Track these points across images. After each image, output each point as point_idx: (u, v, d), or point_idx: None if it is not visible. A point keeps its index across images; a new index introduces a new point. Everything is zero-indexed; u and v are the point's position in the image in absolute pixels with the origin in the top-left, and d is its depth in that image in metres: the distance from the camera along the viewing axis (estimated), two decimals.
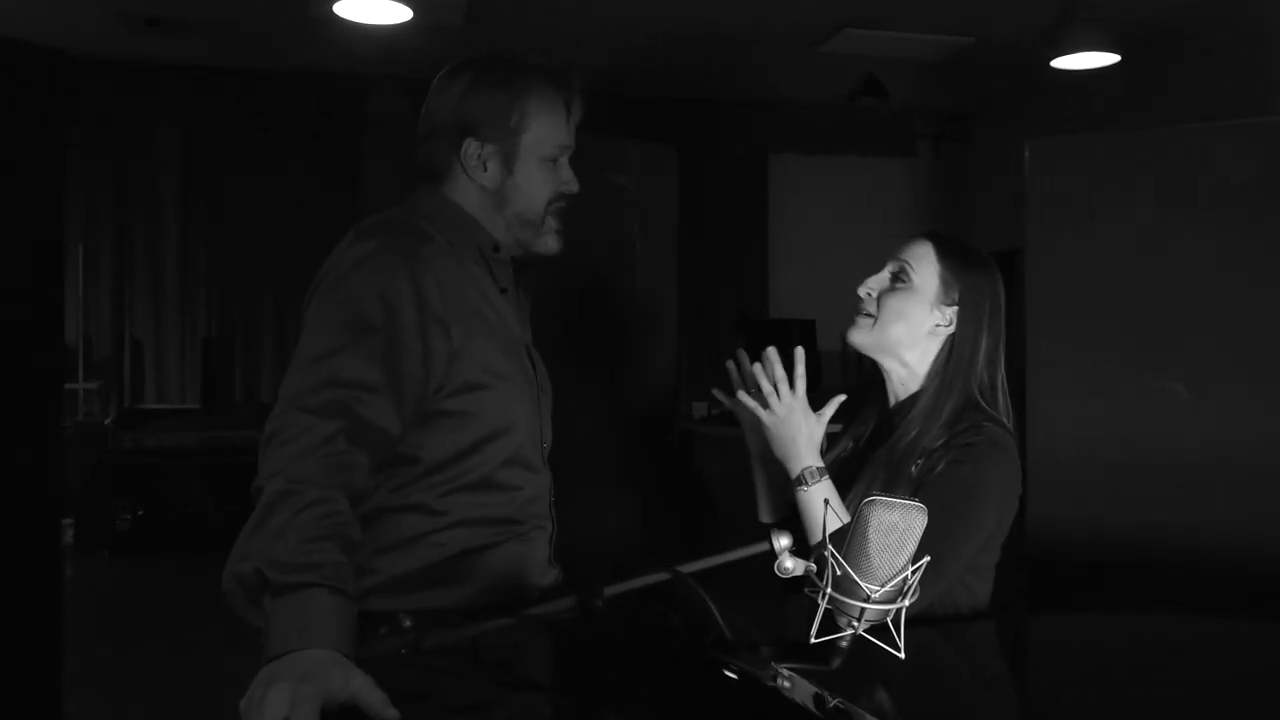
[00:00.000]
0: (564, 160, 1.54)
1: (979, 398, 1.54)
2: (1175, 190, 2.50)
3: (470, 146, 1.48)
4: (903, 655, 0.94)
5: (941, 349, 1.56)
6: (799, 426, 1.50)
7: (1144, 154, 2.53)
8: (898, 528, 0.92)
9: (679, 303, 7.58)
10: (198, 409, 6.90)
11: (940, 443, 1.50)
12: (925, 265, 1.56)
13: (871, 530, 0.93)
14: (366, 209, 6.80)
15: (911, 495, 1.44)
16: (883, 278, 1.59)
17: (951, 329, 1.56)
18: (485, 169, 1.49)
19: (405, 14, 4.73)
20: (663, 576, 1.02)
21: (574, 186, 1.55)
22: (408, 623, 1.06)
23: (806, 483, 1.49)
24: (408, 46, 5.86)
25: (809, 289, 7.44)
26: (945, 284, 1.55)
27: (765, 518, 1.64)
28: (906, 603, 0.94)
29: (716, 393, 1.62)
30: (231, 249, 7.23)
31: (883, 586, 0.92)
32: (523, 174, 1.50)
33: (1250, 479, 2.45)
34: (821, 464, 1.51)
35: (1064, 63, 4.85)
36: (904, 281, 1.56)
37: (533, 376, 1.53)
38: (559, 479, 1.61)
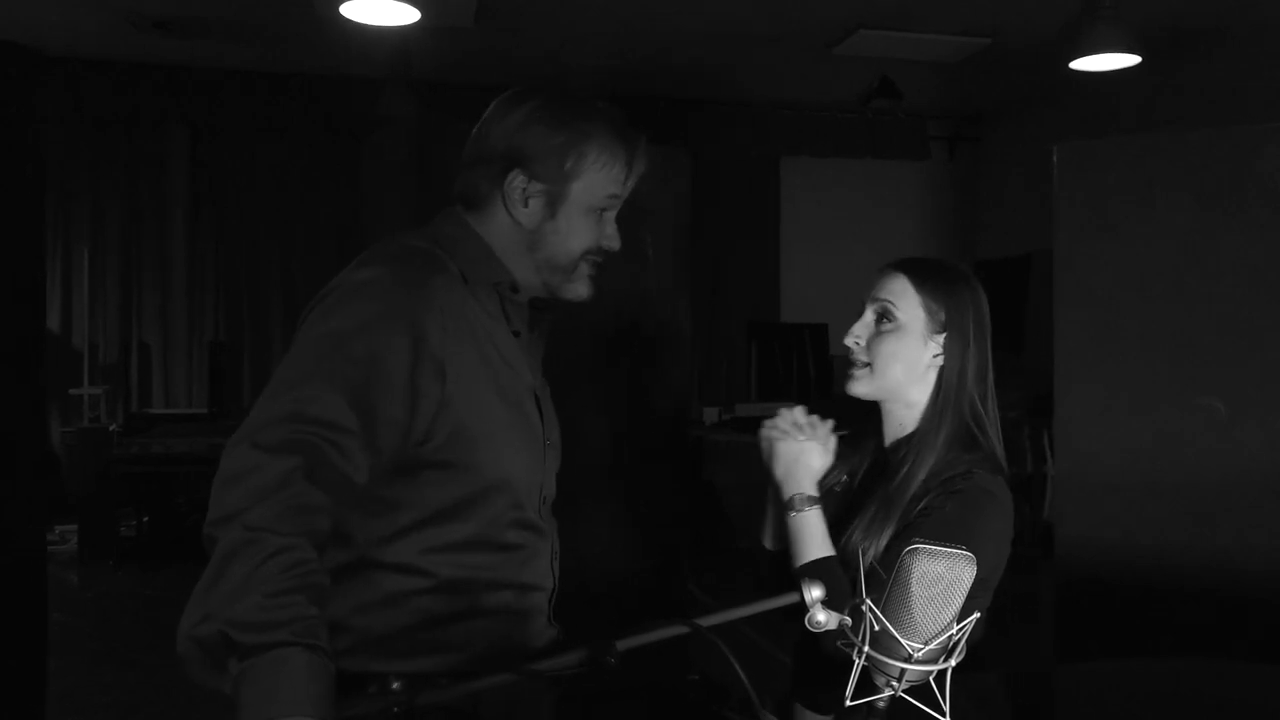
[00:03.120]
0: (610, 214, 1.44)
1: (971, 423, 1.50)
2: (1211, 195, 2.40)
3: (516, 179, 1.38)
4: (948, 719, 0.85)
5: (938, 377, 1.52)
6: (812, 453, 1.49)
7: (1179, 158, 2.42)
8: (943, 579, 0.83)
9: (690, 306, 7.53)
10: (205, 413, 6.85)
11: (932, 487, 1.45)
12: (907, 300, 1.50)
13: (914, 582, 0.84)
14: (365, 214, 6.73)
15: (895, 537, 1.41)
16: (867, 322, 1.54)
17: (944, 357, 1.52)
18: (526, 205, 1.39)
19: (413, 15, 4.66)
20: (681, 630, 0.93)
21: (615, 243, 1.44)
22: (395, 685, 0.97)
23: (796, 508, 1.46)
24: (416, 48, 5.80)
25: (821, 292, 7.37)
26: (930, 312, 1.50)
27: (769, 544, 1.59)
28: (953, 662, 0.86)
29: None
30: (239, 252, 7.20)
31: (926, 644, 0.84)
32: (564, 219, 1.39)
33: None
34: (816, 494, 1.48)
35: (1083, 64, 4.75)
36: (890, 321, 1.51)
37: (538, 426, 1.42)
38: (569, 485, 1.52)
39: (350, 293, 1.28)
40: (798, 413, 1.51)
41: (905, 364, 1.50)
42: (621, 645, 0.90)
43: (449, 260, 1.36)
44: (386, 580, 1.29)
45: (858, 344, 1.53)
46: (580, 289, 1.44)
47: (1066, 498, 2.44)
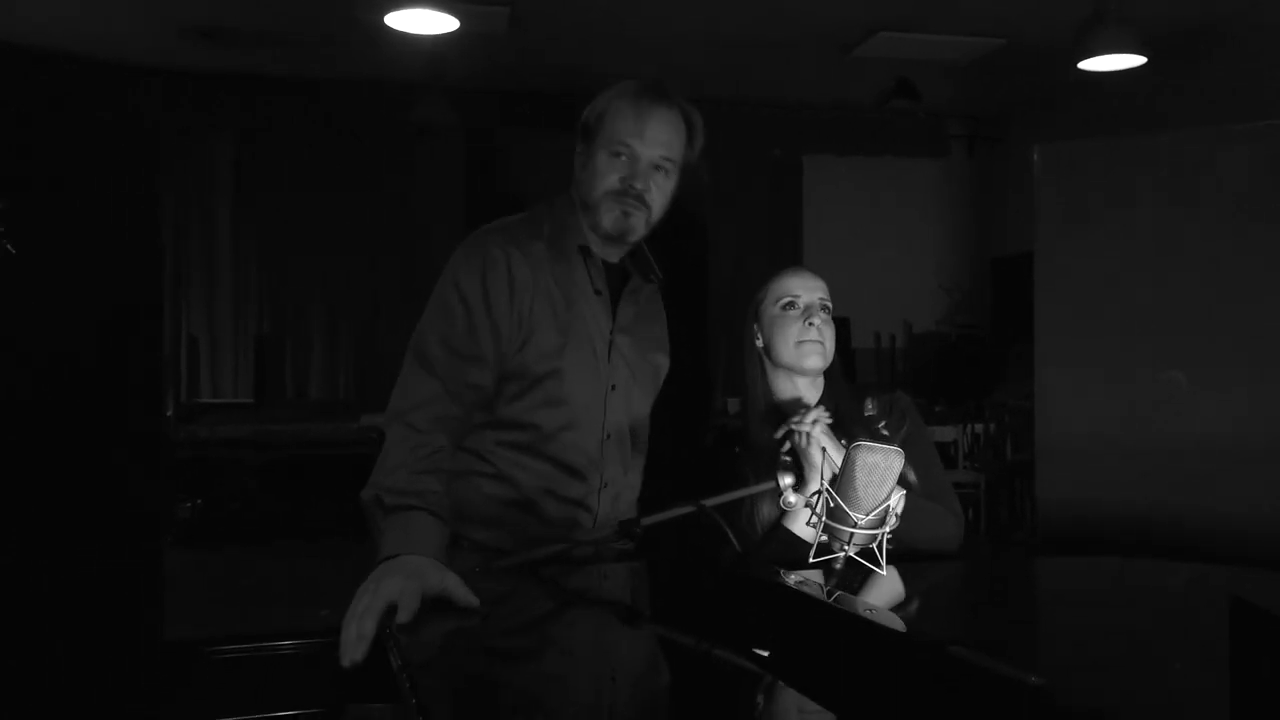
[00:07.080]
0: (628, 158, 1.70)
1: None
2: (1181, 193, 2.63)
3: (578, 149, 1.76)
4: (884, 573, 1.13)
5: None
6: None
7: (1152, 158, 2.65)
8: (879, 467, 1.12)
9: (713, 302, 7.78)
10: (250, 403, 7.19)
11: (884, 410, 1.85)
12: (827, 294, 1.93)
13: (858, 469, 1.12)
14: (420, 214, 7.00)
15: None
16: (822, 315, 1.91)
17: None
18: (584, 168, 1.75)
19: (452, 24, 4.92)
20: (689, 509, 1.22)
21: (635, 182, 1.71)
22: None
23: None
24: (454, 54, 6.07)
25: (843, 288, 7.51)
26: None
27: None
28: (887, 529, 1.14)
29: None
30: (283, 250, 7.52)
31: (867, 515, 1.12)
32: (591, 164, 1.73)
33: (1252, 462, 2.59)
34: None
35: (1090, 65, 4.89)
36: (829, 310, 1.92)
37: (604, 368, 1.75)
38: None
39: (452, 257, 1.72)
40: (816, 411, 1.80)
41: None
42: (645, 521, 1.20)
43: (543, 228, 1.75)
44: (465, 460, 1.68)
45: (821, 330, 1.89)
46: (603, 221, 1.73)
47: (1046, 463, 2.69)
